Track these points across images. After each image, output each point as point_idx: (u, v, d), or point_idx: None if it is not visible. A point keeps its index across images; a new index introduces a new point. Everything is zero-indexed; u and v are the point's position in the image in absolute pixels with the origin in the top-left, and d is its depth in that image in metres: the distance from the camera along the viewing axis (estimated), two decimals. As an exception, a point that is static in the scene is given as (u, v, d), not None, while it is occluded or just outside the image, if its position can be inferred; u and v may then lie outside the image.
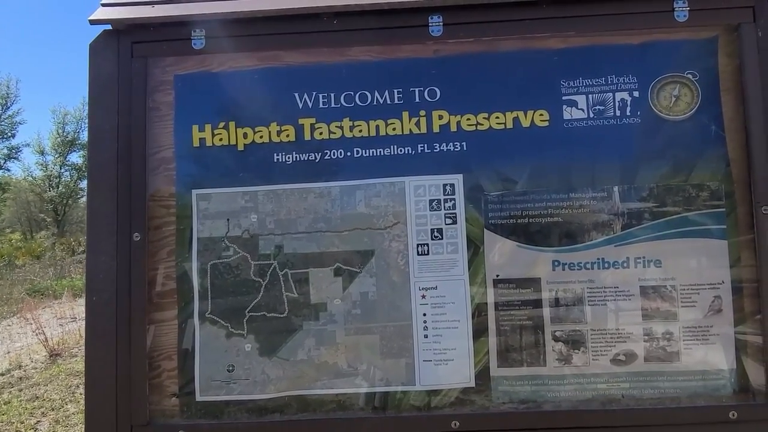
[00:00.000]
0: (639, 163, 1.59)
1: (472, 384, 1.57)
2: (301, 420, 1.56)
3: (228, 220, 1.63)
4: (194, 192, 1.64)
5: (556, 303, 1.57)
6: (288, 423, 1.55)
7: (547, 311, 1.57)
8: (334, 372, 1.58)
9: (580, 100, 1.62)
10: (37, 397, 5.37)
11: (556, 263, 1.58)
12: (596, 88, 1.62)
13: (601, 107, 1.61)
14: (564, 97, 1.62)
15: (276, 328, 1.60)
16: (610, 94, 1.61)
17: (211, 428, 1.56)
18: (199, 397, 1.59)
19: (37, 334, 7.18)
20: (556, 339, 1.57)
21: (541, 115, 1.61)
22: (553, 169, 1.60)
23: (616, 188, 1.59)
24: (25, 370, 6.54)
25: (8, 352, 7.55)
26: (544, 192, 1.59)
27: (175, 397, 1.59)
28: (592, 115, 1.61)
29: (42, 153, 34.31)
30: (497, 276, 1.59)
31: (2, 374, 6.43)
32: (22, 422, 4.67)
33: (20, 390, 5.66)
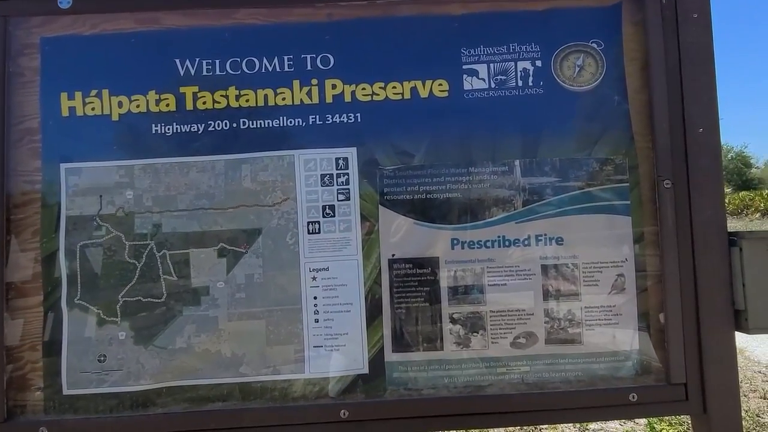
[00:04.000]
0: (541, 136, 1.51)
1: (366, 371, 1.47)
2: (177, 412, 1.43)
3: (101, 196, 1.49)
4: (63, 166, 1.49)
5: (455, 283, 1.49)
6: (162, 416, 1.43)
7: (445, 292, 1.48)
8: (216, 361, 1.46)
9: (481, 69, 1.53)
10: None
11: (455, 241, 1.49)
12: (498, 56, 1.53)
13: (503, 77, 1.52)
14: (464, 66, 1.53)
15: (153, 314, 1.46)
16: (512, 63, 1.53)
17: (77, 424, 1.42)
18: (66, 391, 1.44)
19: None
20: (453, 321, 1.48)
21: (440, 85, 1.52)
22: (452, 143, 1.51)
23: (517, 162, 1.51)
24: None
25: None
26: (442, 166, 1.50)
27: (39, 392, 1.44)
28: (493, 86, 1.52)
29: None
30: (393, 255, 1.49)
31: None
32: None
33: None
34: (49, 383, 1.45)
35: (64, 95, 1.50)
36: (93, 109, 1.50)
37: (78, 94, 1.50)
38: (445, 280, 1.49)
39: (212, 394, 1.46)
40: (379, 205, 1.50)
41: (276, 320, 1.47)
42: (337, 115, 1.51)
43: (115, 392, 1.45)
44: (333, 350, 1.47)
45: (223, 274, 1.47)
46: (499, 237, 1.50)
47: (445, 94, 1.52)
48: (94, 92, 1.50)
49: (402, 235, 1.49)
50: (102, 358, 1.45)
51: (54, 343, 1.45)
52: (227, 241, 1.48)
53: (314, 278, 1.48)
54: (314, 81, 1.52)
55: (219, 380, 1.46)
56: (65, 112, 1.50)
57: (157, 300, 1.47)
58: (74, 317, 1.46)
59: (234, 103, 1.51)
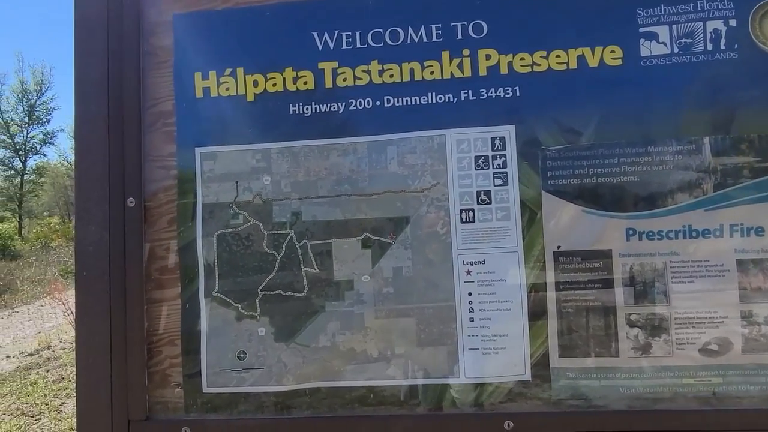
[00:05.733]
0: (736, 109, 1.28)
1: (528, 377, 1.30)
2: (322, 417, 1.32)
3: (237, 182, 1.39)
4: (197, 150, 1.40)
5: (631, 280, 1.29)
6: (307, 420, 1.32)
7: (620, 291, 1.29)
8: (363, 361, 1.34)
9: (662, 31, 1.31)
10: (63, 378, 5.33)
11: (631, 232, 1.29)
12: (682, 16, 1.31)
13: (688, 40, 1.30)
14: (641, 29, 1.32)
15: (294, 309, 1.36)
16: (700, 23, 1.30)
17: (219, 425, 1.33)
18: (206, 389, 1.37)
19: (66, 315, 7.19)
20: (631, 324, 1.29)
21: (613, 51, 1.32)
22: (627, 118, 1.31)
23: (706, 140, 1.28)
24: (53, 351, 6.55)
25: (39, 332, 7.60)
26: (615, 145, 1.30)
27: (179, 389, 1.37)
28: (676, 51, 1.30)
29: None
30: (558, 248, 1.31)
31: (31, 354, 6.45)
32: (46, 404, 4.61)
33: (47, 371, 5.64)
34: (189, 380, 1.37)
35: (197, 75, 1.41)
36: (227, 89, 1.40)
37: (212, 74, 1.41)
38: (619, 275, 1.29)
39: (358, 397, 1.34)
40: (542, 191, 1.32)
41: (427, 318, 1.33)
42: (493, 90, 1.34)
43: (256, 392, 1.35)
44: (491, 353, 1.31)
45: (368, 266, 1.35)
46: (684, 227, 1.29)
47: (619, 62, 1.32)
48: (228, 71, 1.40)
49: (569, 224, 1.31)
50: (242, 355, 1.36)
51: (192, 337, 1.38)
52: (372, 230, 1.35)
53: (469, 272, 1.32)
54: (466, 52, 1.35)
55: (366, 382, 1.33)
56: (199, 93, 1.41)
57: (298, 294, 1.36)
58: (212, 311, 1.38)
59: (377, 79, 1.37)
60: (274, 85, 1.39)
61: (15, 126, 33.92)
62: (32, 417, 4.41)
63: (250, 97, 1.40)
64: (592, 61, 1.32)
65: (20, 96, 33.12)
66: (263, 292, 1.37)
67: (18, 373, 5.75)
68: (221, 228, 1.39)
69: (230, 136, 1.40)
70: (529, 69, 1.33)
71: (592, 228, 1.30)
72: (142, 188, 1.38)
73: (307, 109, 1.38)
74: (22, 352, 6.70)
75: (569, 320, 1.30)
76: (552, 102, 1.33)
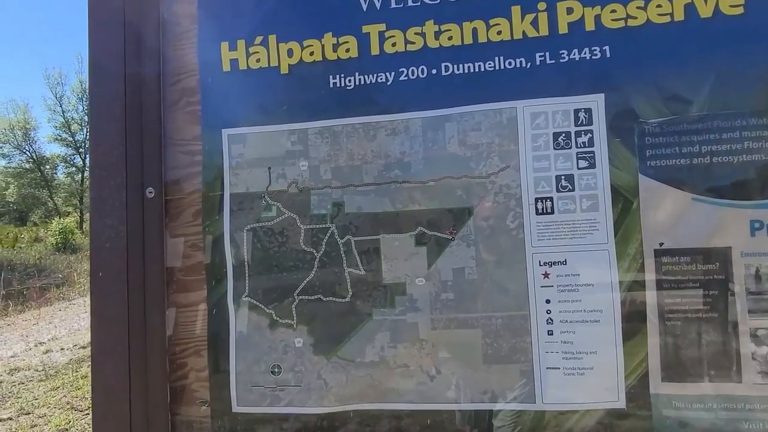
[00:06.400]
0: None
1: (622, 404, 1.05)
2: (371, 446, 1.12)
3: (269, 169, 1.20)
4: (225, 132, 1.22)
5: (758, 286, 1.02)
6: (353, 450, 1.12)
7: (741, 299, 1.02)
8: (417, 380, 1.12)
9: (798, -31, 1.03)
10: (113, 373, 5.35)
11: (757, 225, 1.02)
12: (826, -52, 1.02)
13: (834, -21, 1.02)
14: (770, -33, 1.04)
15: (336, 317, 1.15)
16: None
17: (251, 451, 1.15)
18: (236, 408, 1.18)
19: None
20: (757, 341, 1.02)
21: (731, -3, 1.04)
22: (750, 80, 1.03)
23: None
24: (105, 344, 6.63)
25: (92, 326, 7.75)
26: (736, 116, 1.03)
27: (206, 406, 1.19)
28: (818, -7, 1.02)
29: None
30: (661, 245, 1.05)
31: (84, 347, 6.56)
32: (95, 398, 4.62)
33: (98, 364, 5.69)
34: (217, 397, 1.19)
35: (224, 46, 1.22)
36: (258, 60, 1.21)
37: (240, 44, 1.21)
38: (741, 280, 1.02)
39: (413, 423, 1.12)
40: (640, 174, 1.06)
41: (495, 331, 1.10)
42: (576, 51, 1.09)
43: (292, 413, 1.16)
44: (575, 374, 1.07)
45: (423, 267, 1.12)
46: (828, 218, 1.00)
47: (739, 10, 1.04)
48: (259, 39, 1.21)
49: (674, 215, 1.05)
50: (276, 370, 1.17)
51: (220, 348, 1.19)
52: (428, 224, 1.13)
53: (546, 275, 1.08)
54: (541, 5, 1.11)
55: (421, 406, 1.12)
56: (226, 66, 1.22)
57: (340, 299, 1.15)
58: (242, 317, 1.19)
59: (433, 43, 1.14)
60: (312, 54, 1.19)
61: (75, 124, 35.40)
62: (81, 412, 4.43)
63: (284, 69, 1.20)
64: (704, 11, 1.05)
65: (80, 96, 34.48)
66: (300, 297, 1.17)
67: (71, 365, 5.84)
68: (252, 222, 1.20)
69: (262, 115, 1.20)
70: (621, 23, 1.08)
71: (705, 220, 1.04)
72: (162, 176, 1.20)
73: (350, 81, 1.17)
74: (75, 345, 6.84)
75: (675, 335, 1.04)
76: (651, 63, 1.07)
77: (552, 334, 1.08)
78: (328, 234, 1.16)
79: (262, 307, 1.18)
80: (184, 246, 1.22)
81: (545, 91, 1.10)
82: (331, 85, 1.18)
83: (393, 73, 1.16)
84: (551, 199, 1.09)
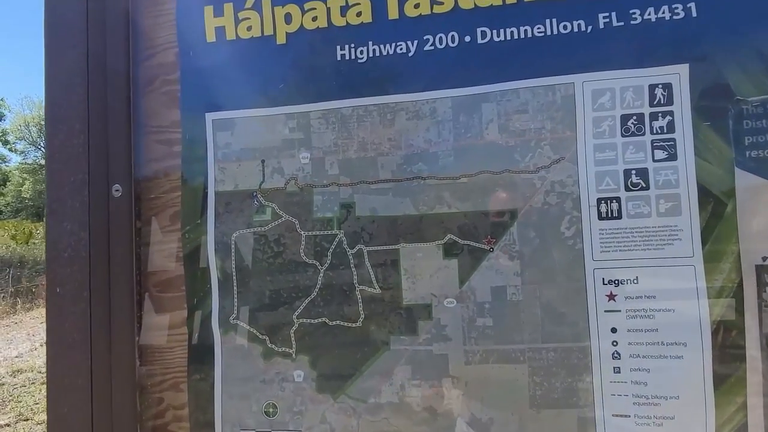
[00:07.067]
0: None
1: (713, 465, 0.82)
2: None
3: (263, 161, 0.97)
4: (209, 117, 0.99)
5: None
6: None
7: None
8: (446, 427, 0.89)
9: None
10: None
11: None
12: None
13: None
14: None
15: (345, 345, 0.93)
16: None
17: None
18: (221, 456, 0.96)
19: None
20: None
21: None
22: None
23: None
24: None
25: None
26: None
27: (185, 453, 0.98)
28: None
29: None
30: (764, 259, 0.81)
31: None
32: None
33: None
34: (198, 442, 0.97)
35: (208, 11, 1.00)
36: (249, 28, 0.98)
37: (228, 8, 0.99)
38: None
39: (440, 481, 0.89)
40: (736, 168, 0.82)
41: (546, 367, 0.86)
42: (652, 9, 0.85)
43: (290, 464, 0.94)
44: (650, 425, 0.83)
45: (454, 285, 0.89)
46: None
47: None
48: (250, 2, 0.98)
49: (783, 221, 0.81)
50: (271, 410, 0.95)
51: (203, 381, 0.97)
52: (459, 231, 0.90)
53: (612, 296, 0.85)
54: (606, -47, 0.87)
55: (452, 461, 0.89)
56: (211, 37, 1.00)
57: (350, 324, 0.93)
58: (230, 344, 0.97)
59: (466, 3, 0.91)
60: (315, 19, 0.96)
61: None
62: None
63: (281, 39, 0.97)
64: (823, -45, 0.81)
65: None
66: (300, 320, 0.94)
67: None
68: (241, 227, 0.97)
69: (253, 96, 0.98)
70: (711, -26, 0.84)
71: (822, 227, 0.80)
72: (132, 172, 0.98)
73: (361, 52, 0.94)
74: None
75: (784, 377, 0.80)
76: (752, 24, 0.82)
77: (619, 372, 0.85)
78: (334, 242, 0.94)
79: (254, 331, 0.96)
80: (158, 256, 0.99)
81: (611, 62, 0.86)
82: (339, 58, 0.95)
83: (416, 42, 0.92)
84: (618, 199, 0.85)
